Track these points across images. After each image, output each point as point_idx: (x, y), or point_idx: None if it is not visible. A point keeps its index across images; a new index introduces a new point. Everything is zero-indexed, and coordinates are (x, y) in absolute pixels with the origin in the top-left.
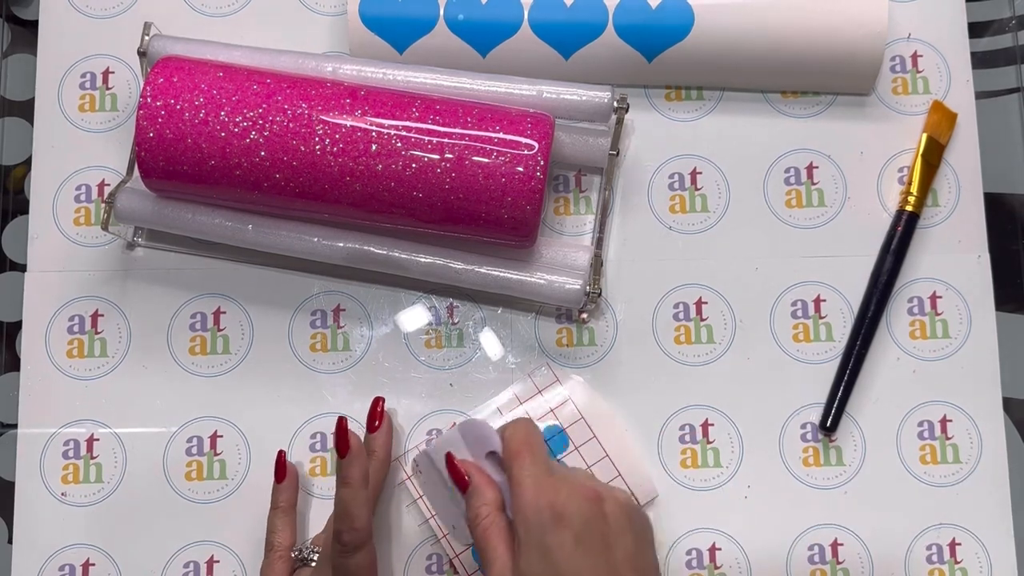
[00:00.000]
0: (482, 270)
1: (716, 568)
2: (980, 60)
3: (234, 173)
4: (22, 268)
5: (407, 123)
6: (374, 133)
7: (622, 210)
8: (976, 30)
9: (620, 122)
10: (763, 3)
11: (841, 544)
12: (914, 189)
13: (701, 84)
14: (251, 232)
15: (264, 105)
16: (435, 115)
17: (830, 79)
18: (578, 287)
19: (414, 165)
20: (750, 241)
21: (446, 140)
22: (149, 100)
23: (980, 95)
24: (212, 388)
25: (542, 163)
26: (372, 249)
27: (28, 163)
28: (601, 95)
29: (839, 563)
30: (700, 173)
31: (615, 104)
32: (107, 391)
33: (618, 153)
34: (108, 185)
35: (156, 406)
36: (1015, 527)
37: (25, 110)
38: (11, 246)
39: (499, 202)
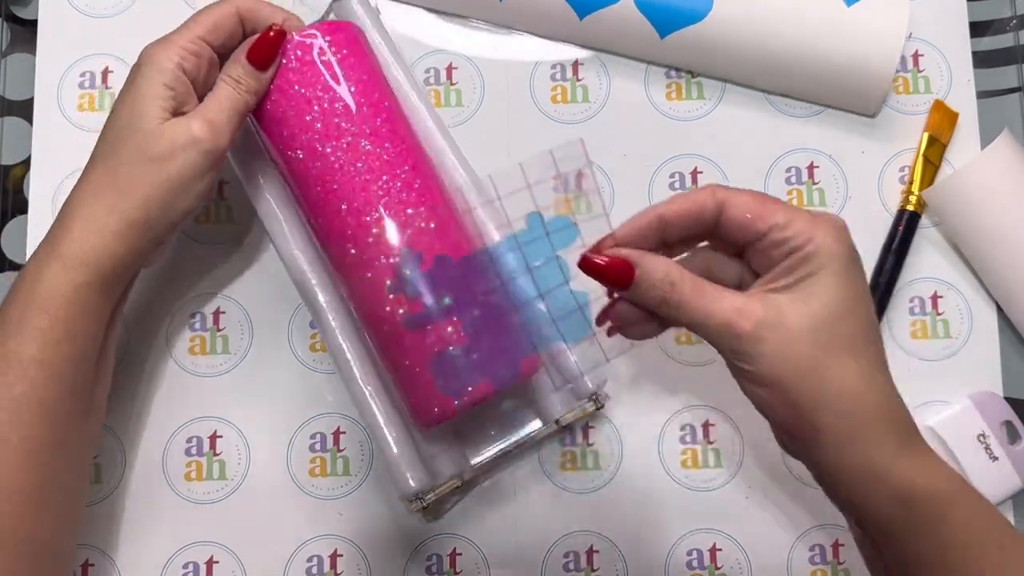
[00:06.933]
0: None
1: (717, 568)
2: (981, 60)
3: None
4: (22, 268)
5: None
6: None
7: (622, 210)
8: (977, 30)
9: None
10: (784, 5)
11: (842, 544)
12: (915, 188)
13: (706, 72)
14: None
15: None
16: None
17: (834, 95)
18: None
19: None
20: None
21: None
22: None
23: (981, 94)
24: (212, 388)
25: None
26: None
27: (27, 163)
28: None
29: (840, 564)
30: (700, 173)
31: (594, 393)
32: None
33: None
34: None
35: (156, 406)
36: (1015, 527)
37: (24, 110)
38: (11, 246)
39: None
